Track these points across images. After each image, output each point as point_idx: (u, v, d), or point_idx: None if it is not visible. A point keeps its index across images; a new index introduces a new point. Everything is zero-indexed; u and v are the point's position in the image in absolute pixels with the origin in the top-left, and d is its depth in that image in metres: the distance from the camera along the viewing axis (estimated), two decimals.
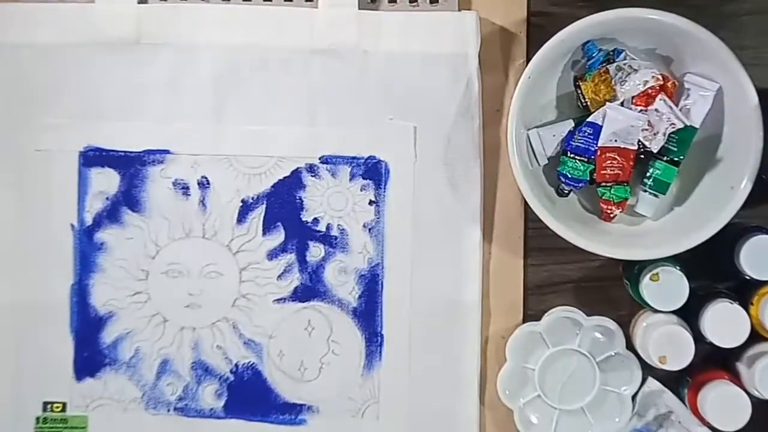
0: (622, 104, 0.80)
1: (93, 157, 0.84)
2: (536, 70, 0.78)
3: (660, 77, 0.80)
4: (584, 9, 0.81)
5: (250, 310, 0.84)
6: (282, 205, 0.85)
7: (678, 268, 0.80)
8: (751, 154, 0.78)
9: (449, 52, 0.84)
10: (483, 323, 0.85)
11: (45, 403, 0.84)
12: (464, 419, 0.84)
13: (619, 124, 0.80)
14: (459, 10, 0.85)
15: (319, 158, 0.85)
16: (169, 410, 0.84)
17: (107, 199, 0.85)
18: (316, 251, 0.85)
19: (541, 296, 0.86)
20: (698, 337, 0.79)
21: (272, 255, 0.85)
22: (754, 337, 0.80)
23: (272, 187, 0.85)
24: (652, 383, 0.83)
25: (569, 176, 0.81)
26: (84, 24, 0.84)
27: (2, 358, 0.84)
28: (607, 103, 0.80)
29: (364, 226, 0.85)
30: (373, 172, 0.85)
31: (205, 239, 0.84)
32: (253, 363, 0.85)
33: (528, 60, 0.81)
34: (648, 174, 0.82)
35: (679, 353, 0.79)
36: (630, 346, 0.83)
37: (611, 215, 0.82)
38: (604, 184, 0.81)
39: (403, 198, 0.84)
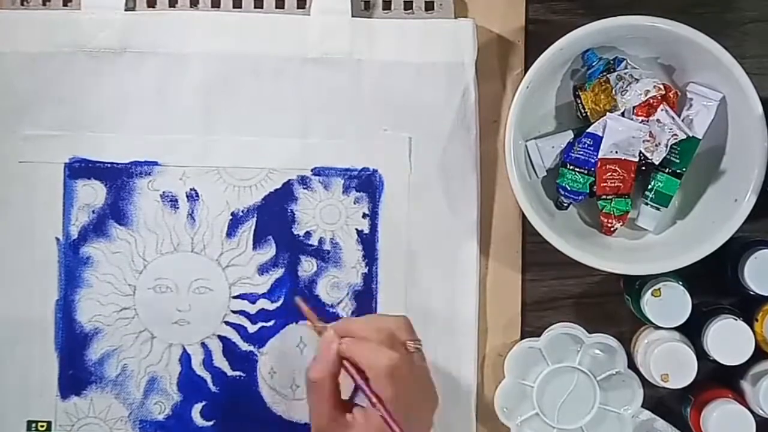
0: (623, 114, 0.80)
1: (79, 169, 0.83)
2: (535, 80, 0.78)
3: (662, 87, 0.79)
4: (584, 17, 0.81)
5: (240, 326, 0.83)
6: (273, 219, 0.83)
7: (680, 283, 0.79)
8: (756, 165, 0.77)
9: (445, 60, 0.83)
10: (480, 340, 0.83)
11: (29, 422, 0.82)
12: None
13: (619, 135, 0.79)
14: (455, 17, 0.83)
15: (312, 170, 0.83)
16: (157, 429, 0.83)
17: (93, 212, 0.83)
18: (308, 266, 0.83)
19: (539, 312, 0.84)
20: (701, 355, 0.79)
21: (263, 270, 0.83)
22: (759, 354, 0.79)
23: (263, 199, 0.83)
24: (643, 412, 0.82)
25: (568, 189, 0.80)
26: (69, 32, 0.82)
27: None
28: (608, 113, 0.80)
29: (357, 239, 0.83)
30: (367, 184, 0.83)
31: (193, 253, 0.83)
32: (243, 381, 0.83)
33: (526, 69, 0.80)
34: (649, 186, 0.81)
35: (682, 371, 0.78)
36: (631, 363, 0.82)
37: (612, 229, 0.81)
38: (604, 196, 0.80)
39: (398, 211, 0.83)
